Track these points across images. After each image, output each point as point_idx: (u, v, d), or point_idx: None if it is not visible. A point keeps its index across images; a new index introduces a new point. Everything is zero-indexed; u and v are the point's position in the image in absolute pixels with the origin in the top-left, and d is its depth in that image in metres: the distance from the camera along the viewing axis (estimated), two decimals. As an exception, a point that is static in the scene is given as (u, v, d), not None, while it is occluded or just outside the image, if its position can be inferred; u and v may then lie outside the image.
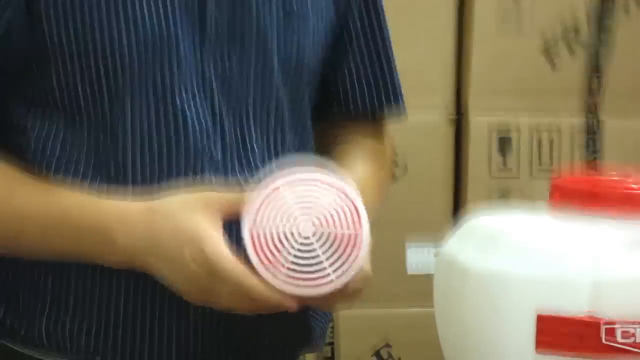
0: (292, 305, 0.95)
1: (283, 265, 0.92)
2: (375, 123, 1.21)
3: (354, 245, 0.93)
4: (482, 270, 0.91)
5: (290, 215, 0.92)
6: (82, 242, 1.01)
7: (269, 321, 1.09)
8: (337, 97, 1.17)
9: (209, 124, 1.04)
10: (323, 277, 0.93)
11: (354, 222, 0.93)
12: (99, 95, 1.02)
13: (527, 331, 0.88)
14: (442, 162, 1.99)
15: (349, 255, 0.93)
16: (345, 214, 0.93)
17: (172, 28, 1.02)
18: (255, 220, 0.93)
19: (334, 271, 0.93)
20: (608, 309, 0.87)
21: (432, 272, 1.02)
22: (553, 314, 0.88)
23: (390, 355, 2.00)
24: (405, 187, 1.97)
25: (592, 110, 2.01)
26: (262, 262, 0.92)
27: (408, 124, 2.02)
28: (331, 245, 0.93)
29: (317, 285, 0.93)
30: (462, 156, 2.00)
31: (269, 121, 1.07)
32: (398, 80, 1.20)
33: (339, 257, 0.93)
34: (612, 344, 0.86)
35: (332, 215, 0.93)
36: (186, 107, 1.03)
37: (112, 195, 1.01)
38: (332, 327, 1.96)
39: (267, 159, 1.08)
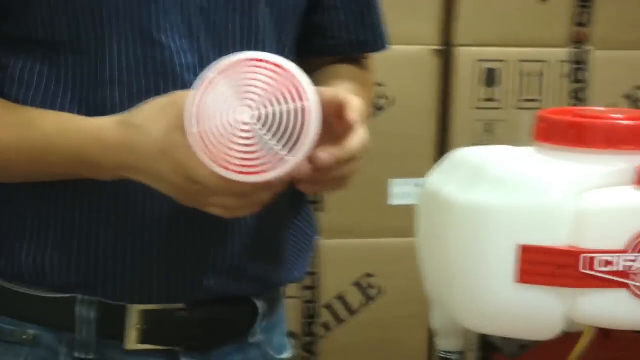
0: (278, 185, 0.95)
1: (235, 157, 0.89)
2: (358, 57, 1.21)
3: (301, 118, 0.89)
4: (464, 202, 0.91)
5: (228, 105, 0.89)
6: (69, 167, 1.01)
7: (256, 250, 1.10)
8: (322, 32, 1.17)
9: (193, 59, 1.03)
10: (277, 158, 0.89)
11: (296, 95, 0.89)
12: (82, 33, 1.02)
13: (509, 263, 0.89)
14: (427, 94, 1.98)
15: (298, 129, 0.89)
16: (284, 88, 0.89)
17: None
18: (196, 120, 0.90)
19: (287, 149, 0.89)
20: (589, 240, 0.88)
21: (415, 204, 1.02)
22: (534, 245, 0.88)
23: (371, 285, 2.01)
24: (391, 118, 1.97)
25: (580, 40, 2.00)
26: (215, 161, 0.90)
27: (395, 56, 2.01)
28: (277, 125, 0.89)
29: (273, 168, 0.89)
30: (448, 88, 2.00)
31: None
32: (379, 17, 1.20)
33: (287, 134, 0.89)
34: (590, 272, 0.87)
35: (270, 94, 0.89)
36: (170, 42, 1.02)
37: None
38: (314, 258, 1.97)
39: None
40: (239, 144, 0.89)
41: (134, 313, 1.06)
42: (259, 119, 0.89)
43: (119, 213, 1.04)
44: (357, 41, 1.19)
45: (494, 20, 1.97)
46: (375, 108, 1.96)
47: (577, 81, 2.01)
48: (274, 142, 0.89)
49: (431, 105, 1.99)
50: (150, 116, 0.96)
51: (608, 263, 0.87)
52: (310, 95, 0.89)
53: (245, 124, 0.89)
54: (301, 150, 0.89)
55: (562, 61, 1.99)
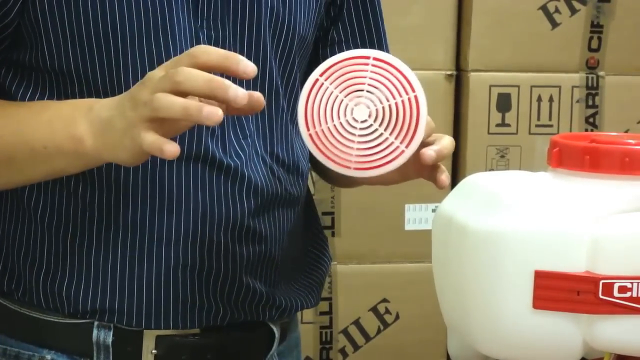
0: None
1: (353, 155, 0.92)
2: None
3: (412, 109, 0.92)
4: (480, 228, 0.92)
5: (340, 105, 0.91)
6: (48, 146, 0.99)
7: (270, 277, 1.11)
8: None
9: None
10: (393, 150, 0.92)
11: (403, 87, 0.92)
12: (92, 63, 1.02)
13: (525, 288, 0.89)
14: (441, 119, 1.99)
15: (410, 120, 0.92)
16: (392, 82, 0.92)
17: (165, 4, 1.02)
18: (309, 121, 0.92)
19: (402, 141, 0.92)
20: (605, 266, 0.88)
21: (430, 229, 1.03)
22: (551, 271, 0.88)
23: (387, 310, 2.01)
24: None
25: (591, 66, 2.01)
26: (334, 161, 0.92)
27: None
28: (390, 118, 0.92)
29: (391, 161, 0.92)
30: (462, 113, 2.00)
31: (262, 88, 1.07)
32: (387, 50, 1.20)
33: (401, 126, 0.92)
34: (609, 298, 0.87)
35: (379, 89, 0.92)
36: None
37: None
38: (330, 283, 1.97)
39: (260, 125, 1.08)
40: (358, 142, 0.91)
41: (150, 338, 1.07)
42: (374, 115, 0.91)
43: (134, 241, 1.05)
44: None
45: (507, 45, 1.97)
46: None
47: (590, 106, 2.01)
48: (390, 135, 0.91)
49: (445, 130, 1.99)
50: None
51: (627, 289, 0.87)
52: (417, 85, 0.92)
53: (362, 121, 0.91)
54: (417, 139, 0.92)
55: (575, 86, 2.00)
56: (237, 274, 1.07)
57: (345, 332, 2.00)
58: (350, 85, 0.92)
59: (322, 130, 0.91)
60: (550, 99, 1.99)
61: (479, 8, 1.97)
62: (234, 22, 1.05)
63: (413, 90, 0.92)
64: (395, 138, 0.92)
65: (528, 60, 1.99)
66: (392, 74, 0.92)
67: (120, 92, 1.01)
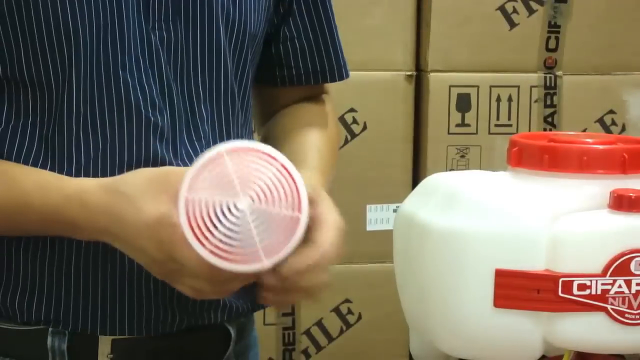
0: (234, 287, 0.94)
1: (214, 236, 0.88)
2: (317, 92, 1.22)
3: (291, 228, 0.89)
4: (441, 228, 0.92)
5: (229, 185, 0.89)
6: (48, 226, 1.00)
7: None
8: (280, 62, 1.17)
9: (157, 94, 1.03)
10: (252, 254, 0.88)
11: (293, 203, 0.89)
12: (45, 69, 1.01)
13: (486, 287, 0.90)
14: (401, 120, 1.99)
15: (284, 236, 0.89)
16: (286, 193, 0.89)
17: (114, 1, 1.01)
18: (191, 186, 0.89)
19: (265, 250, 0.89)
20: (565, 264, 0.88)
21: (392, 229, 1.03)
22: (511, 270, 0.89)
23: (350, 310, 2.01)
24: (365, 144, 1.97)
25: (549, 66, 2.02)
26: (193, 230, 0.88)
27: (367, 81, 2.03)
28: (266, 223, 0.89)
29: (245, 262, 0.88)
30: (422, 113, 2.01)
31: (218, 88, 1.07)
32: (338, 46, 1.20)
33: (272, 237, 0.89)
34: (568, 296, 0.87)
35: (272, 193, 0.89)
36: (133, 78, 1.02)
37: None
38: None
39: (216, 126, 1.08)
40: (225, 227, 0.88)
41: (106, 342, 1.06)
42: (253, 211, 0.88)
43: (87, 250, 1.04)
44: (316, 71, 1.18)
45: (466, 45, 1.98)
46: (349, 134, 1.97)
47: (548, 106, 2.03)
48: (257, 238, 0.88)
49: (405, 131, 2.00)
50: (139, 186, 0.95)
51: (586, 287, 0.88)
52: (305, 209, 0.89)
53: (239, 210, 0.88)
54: (279, 256, 0.89)
55: (534, 86, 2.01)
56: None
57: (307, 333, 2.00)
58: (248, 175, 0.89)
59: (200, 199, 0.88)
60: (509, 99, 2.00)
61: (438, 9, 1.97)
62: (185, 23, 1.05)
63: (299, 211, 0.89)
64: (261, 243, 0.88)
65: (487, 61, 2.00)
66: (290, 185, 0.89)
67: (70, 95, 1.00)
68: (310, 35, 1.18)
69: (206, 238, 0.88)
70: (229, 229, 0.88)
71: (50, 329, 1.05)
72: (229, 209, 0.88)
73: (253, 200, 0.88)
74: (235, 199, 0.88)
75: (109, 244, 0.99)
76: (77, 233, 1.00)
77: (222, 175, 0.89)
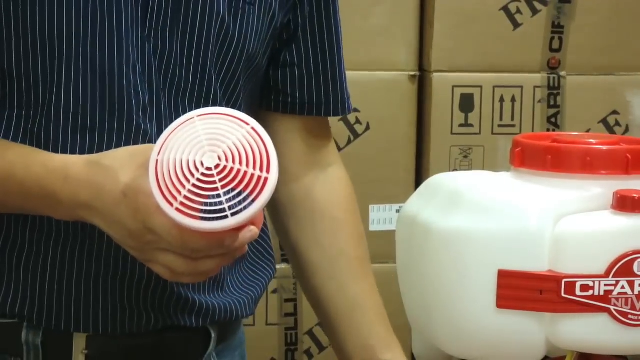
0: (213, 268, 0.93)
1: (180, 194, 0.87)
2: (319, 119, 1.18)
3: (258, 187, 0.88)
4: (443, 228, 0.92)
5: (197, 145, 0.88)
6: (27, 199, 1.00)
7: (203, 284, 1.09)
8: (278, 89, 1.15)
9: (145, 98, 1.03)
10: (218, 211, 0.88)
11: (262, 164, 0.88)
12: (34, 62, 1.01)
13: (488, 288, 0.89)
14: (404, 120, 1.99)
15: (250, 195, 0.88)
16: (254, 154, 0.88)
17: (113, 4, 1.01)
18: (162, 147, 0.88)
19: (231, 208, 0.88)
20: (568, 264, 0.88)
21: (394, 229, 1.03)
22: (513, 270, 0.89)
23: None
24: (368, 144, 1.97)
25: (553, 66, 2.02)
26: (160, 189, 0.88)
27: (371, 81, 2.03)
28: (233, 182, 0.88)
29: (211, 219, 0.88)
30: (425, 114, 2.01)
31: (206, 103, 1.05)
32: (342, 78, 1.17)
33: (238, 195, 0.88)
34: (571, 297, 0.87)
35: (240, 152, 0.88)
36: (124, 80, 1.02)
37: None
38: (295, 285, 1.96)
39: None
40: (192, 184, 0.88)
41: (81, 338, 1.06)
42: (220, 169, 0.88)
43: (65, 246, 1.04)
44: (314, 102, 1.15)
45: (469, 46, 1.98)
46: (352, 134, 1.97)
47: (552, 106, 2.03)
48: (223, 197, 0.88)
49: (408, 131, 2.00)
50: (119, 160, 0.95)
51: (588, 288, 0.88)
52: (274, 170, 0.89)
53: (206, 168, 0.88)
54: (244, 214, 0.88)
55: (537, 86, 2.01)
56: (166, 282, 1.05)
57: (310, 333, 2.00)
58: (217, 136, 0.88)
59: (167, 159, 0.88)
60: (513, 99, 2.00)
61: (442, 9, 1.97)
62: (182, 34, 1.04)
63: (267, 171, 0.88)
64: (227, 202, 0.88)
65: (490, 61, 2.00)
66: (260, 146, 0.88)
67: (59, 94, 1.00)
68: (312, 65, 1.14)
69: (174, 197, 0.88)
70: (195, 186, 0.87)
71: (25, 324, 1.05)
72: (197, 168, 0.88)
73: (220, 160, 0.88)
74: (202, 158, 0.88)
75: (84, 236, 1.00)
76: (56, 208, 0.99)
77: (193, 137, 0.89)
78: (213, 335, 1.11)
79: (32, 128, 1.02)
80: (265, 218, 1.17)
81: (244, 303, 1.14)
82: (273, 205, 1.19)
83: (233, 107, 1.08)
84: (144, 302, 1.06)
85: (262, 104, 1.15)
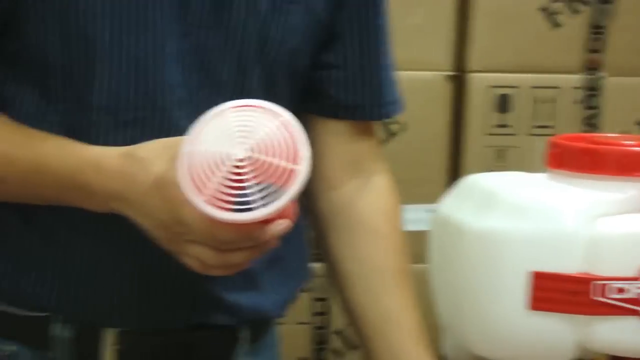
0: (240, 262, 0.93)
1: (209, 185, 0.87)
2: (362, 124, 1.16)
3: (288, 180, 0.87)
4: (477, 228, 0.91)
5: (228, 136, 0.88)
6: (61, 190, 1.00)
7: (235, 283, 1.08)
8: (319, 91, 1.12)
9: (183, 95, 1.03)
10: (246, 203, 0.87)
11: (293, 156, 0.88)
12: (73, 56, 1.01)
13: (521, 289, 0.89)
14: (439, 120, 1.98)
15: (280, 187, 0.87)
16: (286, 145, 0.88)
17: (151, 2, 1.01)
18: (193, 140, 0.89)
19: (259, 200, 0.87)
20: (602, 267, 0.88)
21: (427, 230, 1.02)
22: (546, 272, 0.88)
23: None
24: (403, 144, 1.97)
25: (592, 67, 2.01)
26: (191, 180, 0.88)
27: (407, 81, 2.01)
28: (263, 174, 0.87)
29: (238, 211, 0.87)
30: (461, 114, 2.00)
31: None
32: (389, 79, 1.14)
33: (268, 187, 0.88)
34: (604, 300, 0.87)
35: (270, 144, 0.88)
36: (162, 76, 1.02)
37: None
38: (325, 284, 1.96)
39: None
40: (221, 176, 0.88)
41: (110, 333, 1.06)
42: (250, 161, 0.88)
43: (97, 238, 1.04)
44: (357, 106, 1.12)
45: (507, 46, 1.97)
46: (388, 134, 1.96)
47: (589, 107, 2.01)
48: (252, 189, 0.88)
49: (444, 131, 1.99)
50: (153, 151, 0.95)
51: (620, 290, 0.87)
52: (304, 162, 0.88)
53: (237, 160, 0.88)
54: (272, 207, 0.88)
55: (575, 87, 1.99)
56: (199, 279, 1.03)
57: (339, 332, 1.99)
58: (249, 128, 0.88)
59: (197, 151, 0.88)
60: (550, 100, 1.99)
61: (480, 9, 1.96)
62: (222, 31, 1.03)
63: (296, 163, 0.87)
64: (258, 197, 0.87)
65: (528, 61, 1.98)
66: (291, 139, 0.88)
67: (96, 89, 1.00)
68: (356, 67, 1.12)
69: (203, 188, 0.88)
70: (225, 177, 0.87)
71: (55, 317, 1.06)
72: (227, 159, 0.88)
73: (251, 151, 0.87)
74: (232, 149, 0.88)
75: (117, 230, 1.00)
76: (90, 199, 0.99)
77: (224, 129, 0.89)
78: (244, 334, 1.11)
79: (70, 122, 1.03)
80: (304, 220, 1.17)
81: (277, 304, 1.14)
82: (313, 212, 1.18)
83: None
84: (176, 299, 1.06)
85: (305, 107, 1.12)
